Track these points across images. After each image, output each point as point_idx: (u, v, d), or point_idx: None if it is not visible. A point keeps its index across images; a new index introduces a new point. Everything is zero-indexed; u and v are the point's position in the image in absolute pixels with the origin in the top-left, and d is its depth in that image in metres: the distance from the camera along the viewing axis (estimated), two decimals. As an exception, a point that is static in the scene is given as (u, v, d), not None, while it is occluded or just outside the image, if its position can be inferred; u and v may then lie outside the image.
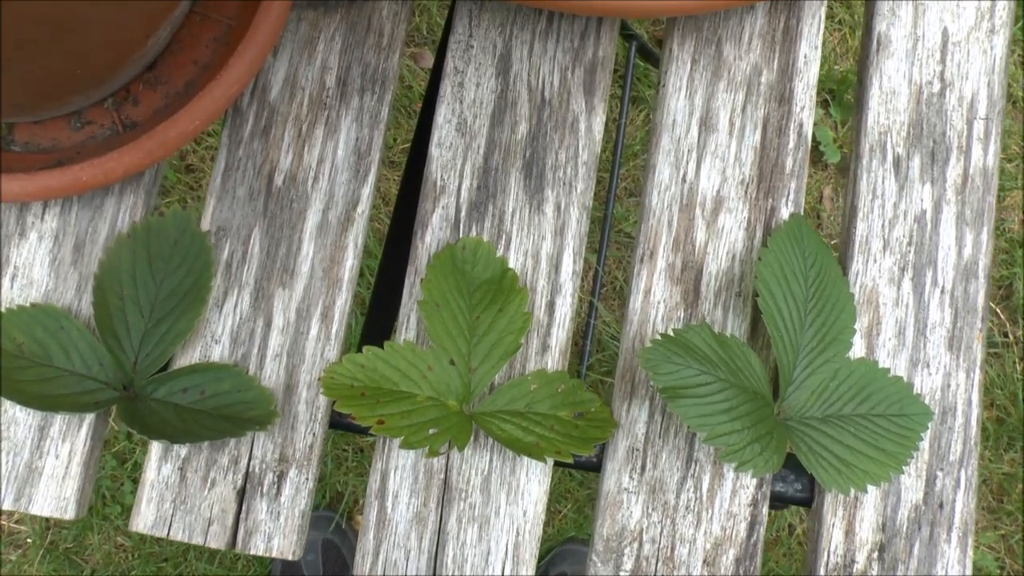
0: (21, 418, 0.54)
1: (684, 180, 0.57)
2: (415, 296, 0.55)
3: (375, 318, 0.63)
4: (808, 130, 0.57)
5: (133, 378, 0.53)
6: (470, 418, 0.52)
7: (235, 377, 0.53)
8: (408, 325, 0.55)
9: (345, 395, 0.50)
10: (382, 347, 0.52)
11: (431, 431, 0.50)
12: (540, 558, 1.16)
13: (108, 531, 1.21)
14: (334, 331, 0.55)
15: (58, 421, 0.54)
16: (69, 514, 0.54)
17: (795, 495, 0.56)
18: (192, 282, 0.54)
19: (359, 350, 0.52)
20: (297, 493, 0.54)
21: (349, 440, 1.24)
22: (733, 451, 0.49)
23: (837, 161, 1.34)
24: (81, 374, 0.53)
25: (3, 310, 0.54)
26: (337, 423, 0.55)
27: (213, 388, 0.53)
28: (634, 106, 1.34)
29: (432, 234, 0.56)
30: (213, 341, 0.55)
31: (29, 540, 1.21)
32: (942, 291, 0.56)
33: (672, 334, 0.50)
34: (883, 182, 0.57)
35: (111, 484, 1.21)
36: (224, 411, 0.53)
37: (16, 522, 1.22)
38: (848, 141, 1.35)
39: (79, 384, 0.53)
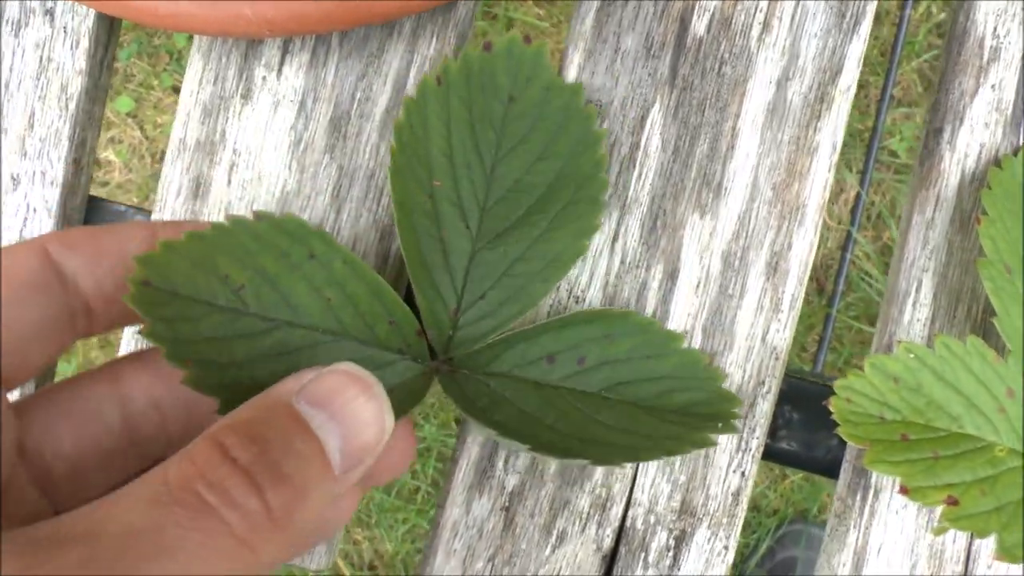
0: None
1: None
2: (931, 244, 0.32)
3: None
4: None
5: (451, 336, 0.30)
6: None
7: (640, 333, 0.30)
8: (919, 298, 0.32)
9: (873, 437, 0.26)
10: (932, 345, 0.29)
11: (1032, 514, 0.27)
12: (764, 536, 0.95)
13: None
14: (786, 300, 0.32)
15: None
16: (315, 564, 0.33)
17: None
18: (560, 167, 0.30)
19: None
20: (708, 566, 0.31)
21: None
22: None
23: None
24: (356, 338, 0.30)
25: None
26: (775, 452, 0.33)
27: (598, 354, 0.30)
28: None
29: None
30: (567, 297, 0.32)
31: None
32: None
33: None
34: None
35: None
36: (630, 394, 0.29)
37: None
38: None
39: (352, 357, 0.30)
